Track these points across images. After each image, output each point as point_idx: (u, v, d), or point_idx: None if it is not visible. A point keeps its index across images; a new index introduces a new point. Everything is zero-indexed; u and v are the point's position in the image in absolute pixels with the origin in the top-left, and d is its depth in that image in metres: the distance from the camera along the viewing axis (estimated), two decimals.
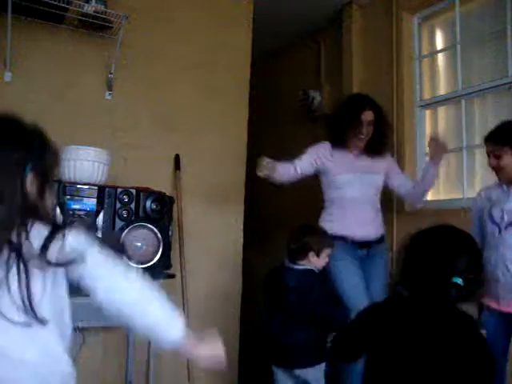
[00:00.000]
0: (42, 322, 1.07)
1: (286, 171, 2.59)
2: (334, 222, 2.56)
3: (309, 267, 2.16)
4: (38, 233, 1.09)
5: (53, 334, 1.10)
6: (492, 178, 2.25)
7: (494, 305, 2.12)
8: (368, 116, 2.63)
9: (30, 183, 1.13)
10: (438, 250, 1.43)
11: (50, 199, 1.18)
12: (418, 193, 2.72)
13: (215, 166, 3.05)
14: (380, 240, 2.65)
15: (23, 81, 2.55)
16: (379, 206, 2.70)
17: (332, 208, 2.65)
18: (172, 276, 2.44)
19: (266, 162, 2.42)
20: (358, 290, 2.41)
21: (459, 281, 1.35)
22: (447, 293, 1.35)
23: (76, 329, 2.36)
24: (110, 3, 2.59)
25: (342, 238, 2.51)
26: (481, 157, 2.88)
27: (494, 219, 2.14)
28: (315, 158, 2.67)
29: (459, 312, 1.39)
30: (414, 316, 1.39)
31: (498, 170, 2.13)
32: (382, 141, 2.70)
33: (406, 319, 1.40)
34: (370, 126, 2.63)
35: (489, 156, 2.16)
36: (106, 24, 2.59)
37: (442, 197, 3.03)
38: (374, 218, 2.66)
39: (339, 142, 2.68)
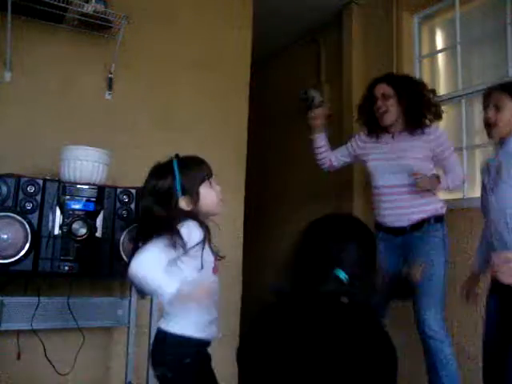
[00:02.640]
0: None
1: (323, 155, 2.78)
2: (374, 210, 2.61)
3: None
4: None
5: None
6: None
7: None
8: (380, 89, 2.53)
9: None
10: (321, 239, 1.27)
11: None
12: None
13: (215, 165, 3.03)
14: (418, 226, 2.44)
15: (23, 81, 2.55)
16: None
17: (372, 195, 2.64)
18: None
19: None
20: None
21: (341, 274, 1.18)
22: (325, 285, 1.19)
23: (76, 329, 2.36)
24: (109, 3, 2.58)
25: (378, 226, 2.54)
26: (481, 157, 2.88)
27: (485, 184, 2.06)
28: (349, 146, 2.75)
29: (347, 308, 1.21)
30: (296, 315, 1.21)
31: (493, 126, 1.99)
32: (412, 113, 2.48)
33: (288, 320, 1.22)
34: (385, 99, 2.50)
35: (486, 110, 2.01)
36: (106, 24, 2.58)
37: (441, 197, 3.03)
38: (411, 203, 2.45)
39: (368, 125, 2.65)
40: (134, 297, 2.56)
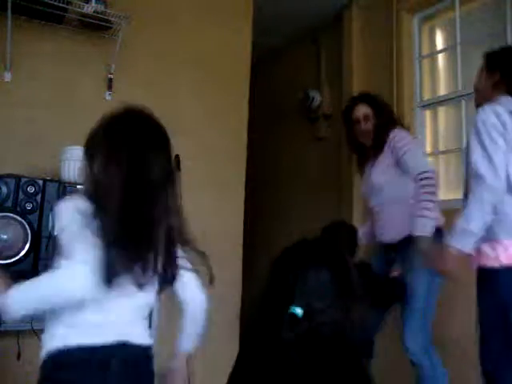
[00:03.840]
0: None
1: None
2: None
3: None
4: None
5: None
6: None
7: None
8: (359, 111, 2.51)
9: None
10: (279, 272, 1.08)
11: None
12: None
13: (215, 165, 3.05)
14: (408, 240, 2.31)
15: (23, 81, 2.54)
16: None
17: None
18: None
19: None
20: None
21: (297, 311, 0.97)
22: (279, 330, 0.97)
23: None
24: (109, 3, 2.58)
25: (379, 244, 2.54)
26: None
27: None
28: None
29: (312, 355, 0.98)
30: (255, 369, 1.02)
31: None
32: (377, 134, 2.46)
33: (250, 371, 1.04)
34: (366, 120, 2.49)
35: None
36: (106, 24, 2.59)
37: (441, 197, 3.03)
38: (403, 218, 2.34)
39: (356, 152, 2.66)
40: None
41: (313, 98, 3.82)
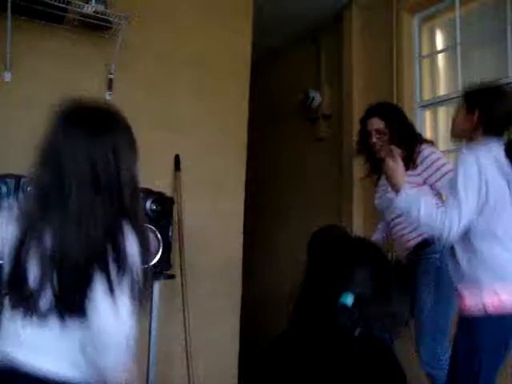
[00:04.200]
0: None
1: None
2: None
3: None
4: None
5: None
6: None
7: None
8: (372, 124, 2.46)
9: None
10: (327, 264, 1.15)
11: None
12: None
13: (215, 166, 3.05)
14: (417, 249, 2.34)
15: (23, 81, 2.54)
16: None
17: None
18: (172, 276, 2.44)
19: None
20: None
21: (348, 300, 1.04)
22: (334, 320, 1.03)
23: None
24: (109, 3, 2.58)
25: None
26: None
27: None
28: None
29: (362, 343, 1.08)
30: (304, 358, 1.09)
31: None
32: (404, 146, 2.31)
33: (296, 362, 1.10)
34: (379, 134, 2.43)
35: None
36: (106, 24, 2.58)
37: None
38: (411, 228, 2.33)
39: (371, 162, 2.59)
40: None
41: (313, 99, 3.82)
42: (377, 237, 2.63)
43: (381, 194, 2.52)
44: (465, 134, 1.93)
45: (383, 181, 2.43)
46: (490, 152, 1.79)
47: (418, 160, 2.35)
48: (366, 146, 2.54)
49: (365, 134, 2.52)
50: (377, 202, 2.58)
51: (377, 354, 1.11)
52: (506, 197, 1.78)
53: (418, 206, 1.78)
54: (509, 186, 1.79)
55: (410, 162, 2.31)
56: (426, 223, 1.79)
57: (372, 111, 2.51)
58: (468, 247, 1.80)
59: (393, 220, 2.44)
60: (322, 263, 1.18)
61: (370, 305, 1.08)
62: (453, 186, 1.78)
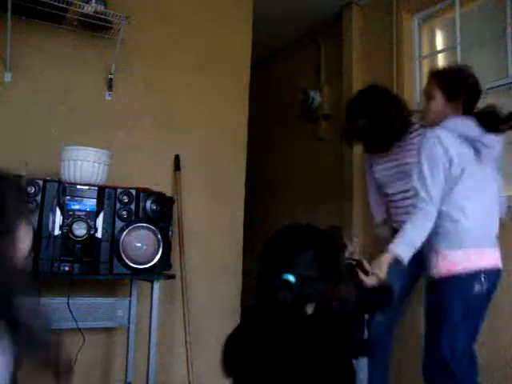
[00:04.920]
0: None
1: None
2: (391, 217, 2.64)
3: None
4: None
5: None
6: None
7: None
8: (357, 125, 2.55)
9: None
10: (274, 247, 1.31)
11: None
12: None
13: (215, 166, 3.05)
14: None
15: (23, 81, 2.55)
16: None
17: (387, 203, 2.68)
18: (172, 277, 2.44)
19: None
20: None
21: (290, 277, 1.17)
22: (276, 293, 1.17)
23: (76, 329, 2.36)
24: (109, 4, 2.59)
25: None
26: None
27: None
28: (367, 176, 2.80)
29: (305, 317, 1.22)
30: (260, 329, 1.23)
31: (423, 115, 2.15)
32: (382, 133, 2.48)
33: (254, 335, 1.25)
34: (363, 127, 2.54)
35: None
36: (106, 24, 2.59)
37: None
38: None
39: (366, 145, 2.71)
40: (134, 297, 2.57)
41: (313, 99, 3.82)
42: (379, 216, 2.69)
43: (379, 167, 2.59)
44: (441, 119, 2.01)
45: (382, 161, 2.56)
46: (456, 127, 1.93)
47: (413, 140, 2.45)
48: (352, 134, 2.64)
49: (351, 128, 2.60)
50: (377, 176, 2.62)
51: (326, 329, 1.23)
52: (471, 162, 1.94)
53: (414, 240, 1.92)
54: (477, 152, 1.94)
55: (392, 146, 2.46)
56: (426, 233, 1.92)
57: (354, 113, 2.56)
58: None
59: (394, 194, 2.52)
60: (271, 248, 1.32)
61: (311, 283, 1.20)
62: (419, 171, 1.92)
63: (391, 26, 3.27)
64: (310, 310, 1.25)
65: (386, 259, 1.92)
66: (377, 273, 1.85)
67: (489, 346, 2.35)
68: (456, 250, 1.91)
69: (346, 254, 2.02)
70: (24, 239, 1.02)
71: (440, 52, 3.19)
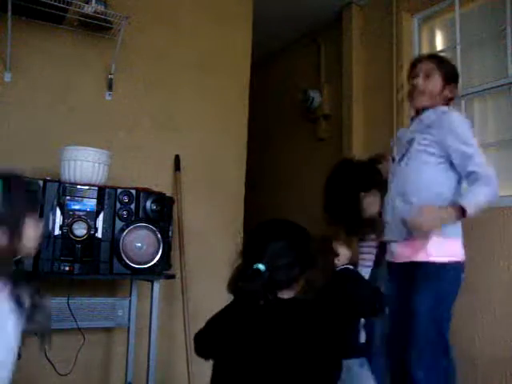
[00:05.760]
0: None
1: None
2: None
3: None
4: None
5: None
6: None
7: (388, 257, 2.08)
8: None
9: None
10: (250, 239, 1.43)
11: None
12: None
13: (215, 166, 3.05)
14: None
15: (23, 81, 2.55)
16: None
17: None
18: (172, 276, 2.44)
19: None
20: None
21: (260, 266, 1.27)
22: (249, 280, 1.27)
23: (76, 329, 2.36)
24: (110, 4, 2.59)
25: None
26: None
27: (393, 156, 2.17)
28: None
29: (279, 302, 1.30)
30: (238, 315, 1.35)
31: (420, 93, 2.07)
32: None
33: (232, 319, 1.37)
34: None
35: (414, 78, 2.09)
36: (106, 25, 2.59)
37: None
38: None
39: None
40: (135, 297, 2.57)
41: (313, 99, 3.82)
42: None
43: None
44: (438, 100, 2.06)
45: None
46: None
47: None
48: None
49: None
50: None
51: (297, 316, 1.30)
52: None
53: (480, 201, 1.88)
54: None
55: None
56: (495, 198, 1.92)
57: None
58: None
59: None
60: (248, 240, 1.45)
61: (282, 270, 1.31)
62: (467, 142, 1.92)
63: (391, 26, 3.28)
64: (287, 295, 1.33)
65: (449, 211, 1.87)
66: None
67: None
68: (459, 237, 1.98)
69: (339, 261, 2.01)
70: (32, 232, 1.25)
71: (440, 52, 3.19)
